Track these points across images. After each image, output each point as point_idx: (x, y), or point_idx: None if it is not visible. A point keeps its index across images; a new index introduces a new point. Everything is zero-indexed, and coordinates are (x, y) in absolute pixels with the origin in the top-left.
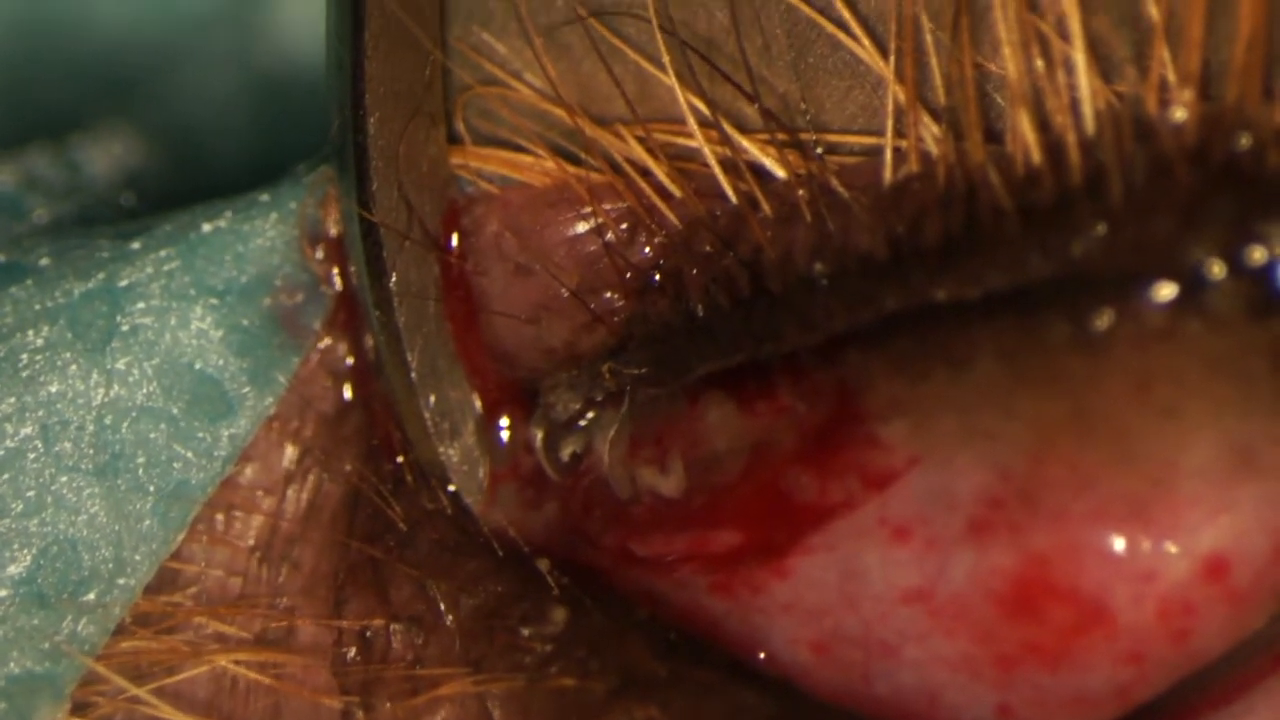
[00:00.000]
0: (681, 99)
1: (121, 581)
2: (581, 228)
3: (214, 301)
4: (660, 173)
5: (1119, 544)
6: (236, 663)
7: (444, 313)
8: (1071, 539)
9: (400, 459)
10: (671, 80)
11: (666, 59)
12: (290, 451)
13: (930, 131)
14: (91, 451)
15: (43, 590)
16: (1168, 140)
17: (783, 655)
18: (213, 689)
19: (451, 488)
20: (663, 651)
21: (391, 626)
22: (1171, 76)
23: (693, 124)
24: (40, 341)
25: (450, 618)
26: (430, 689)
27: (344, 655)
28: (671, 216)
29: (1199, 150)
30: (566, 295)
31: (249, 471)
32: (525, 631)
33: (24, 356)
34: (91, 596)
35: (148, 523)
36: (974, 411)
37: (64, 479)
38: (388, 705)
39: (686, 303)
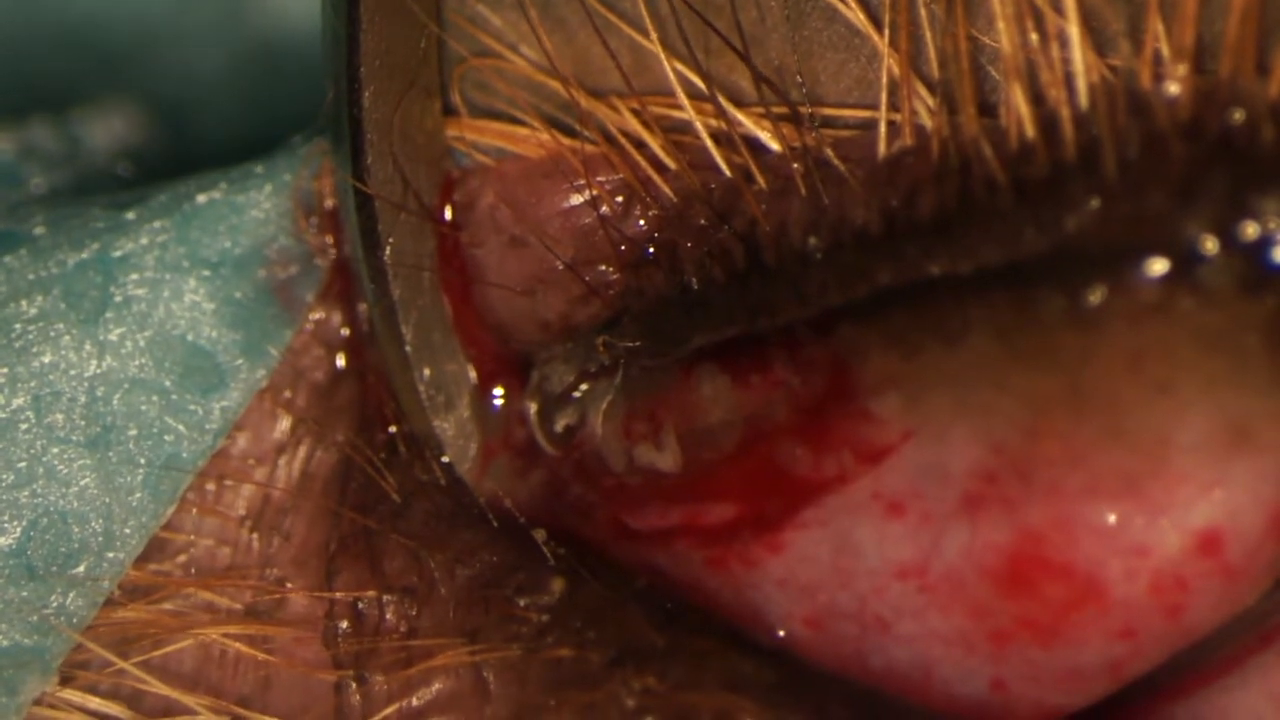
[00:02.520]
0: (669, 68)
1: (111, 555)
2: (576, 200)
3: (207, 273)
4: (655, 145)
5: (1112, 519)
6: (226, 636)
7: (439, 285)
8: (1065, 514)
9: (394, 429)
10: (657, 48)
11: (653, 33)
12: (283, 422)
13: (925, 105)
14: (83, 423)
15: (32, 563)
16: (1162, 115)
17: (778, 630)
18: (201, 660)
19: (445, 459)
20: (660, 621)
21: (384, 598)
22: (1166, 50)
23: (681, 95)
24: (34, 311)
25: (445, 588)
26: (425, 660)
27: (336, 627)
28: (666, 189)
29: (1193, 125)
30: (561, 267)
31: (241, 441)
32: (522, 602)
33: (17, 326)
34: (81, 569)
35: (138, 496)
36: (967, 386)
37: (55, 450)
38: (380, 677)
39: (681, 276)
